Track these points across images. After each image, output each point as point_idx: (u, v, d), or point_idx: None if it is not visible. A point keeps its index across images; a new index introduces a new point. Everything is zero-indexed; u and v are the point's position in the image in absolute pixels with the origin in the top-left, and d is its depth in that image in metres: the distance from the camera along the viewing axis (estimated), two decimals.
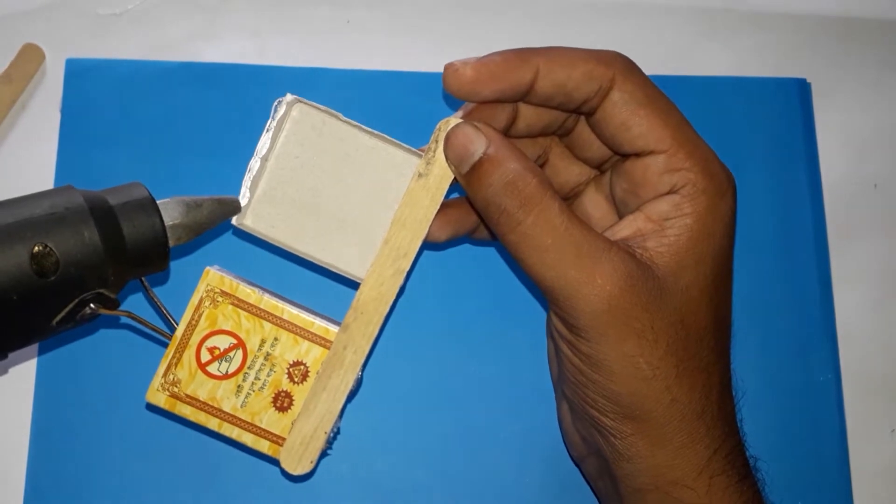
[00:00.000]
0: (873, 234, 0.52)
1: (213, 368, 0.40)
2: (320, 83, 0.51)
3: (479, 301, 0.49)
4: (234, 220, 0.40)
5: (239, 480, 0.47)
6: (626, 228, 0.38)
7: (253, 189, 0.40)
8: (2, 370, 0.48)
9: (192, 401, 0.40)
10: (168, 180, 0.49)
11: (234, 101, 0.51)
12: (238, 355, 0.40)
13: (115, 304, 0.36)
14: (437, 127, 0.39)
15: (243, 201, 0.40)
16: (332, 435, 0.40)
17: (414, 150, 0.40)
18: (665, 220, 0.37)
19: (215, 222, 0.39)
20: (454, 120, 0.38)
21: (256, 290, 0.40)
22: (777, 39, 0.55)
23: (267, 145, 0.40)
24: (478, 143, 0.37)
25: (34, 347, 0.47)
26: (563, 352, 0.39)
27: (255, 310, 0.40)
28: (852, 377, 0.50)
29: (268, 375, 0.40)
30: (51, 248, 0.34)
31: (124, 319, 0.39)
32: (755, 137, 0.52)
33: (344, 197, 0.40)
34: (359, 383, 0.41)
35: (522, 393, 0.48)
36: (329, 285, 0.46)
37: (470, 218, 0.43)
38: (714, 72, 0.53)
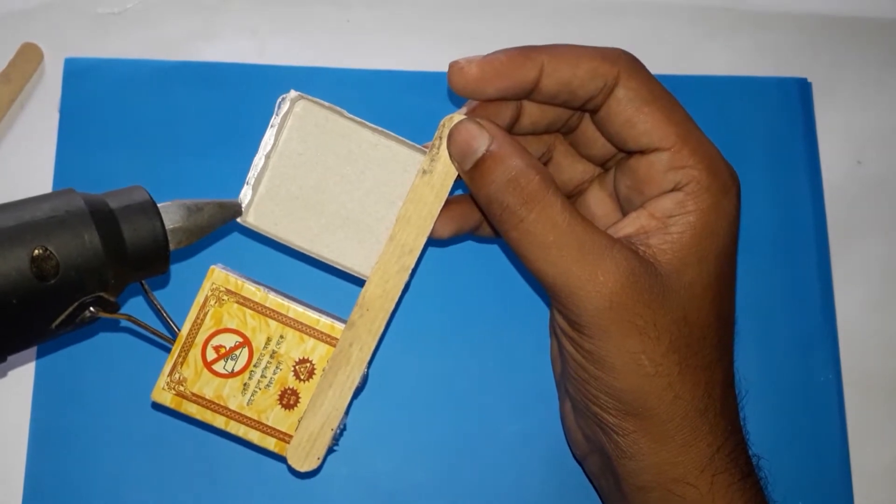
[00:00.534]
0: (874, 234, 0.52)
1: (218, 367, 0.40)
2: (320, 83, 0.51)
3: (479, 301, 0.49)
4: (237, 218, 0.40)
5: (239, 481, 0.46)
6: (629, 226, 0.38)
7: (256, 186, 0.40)
8: (1, 373, 0.48)
9: (198, 399, 0.40)
10: (167, 180, 0.49)
11: (233, 100, 0.51)
12: (244, 353, 0.40)
13: (115, 308, 0.36)
14: (441, 123, 0.39)
15: (246, 198, 0.40)
16: (338, 431, 0.40)
17: (418, 146, 0.40)
18: (669, 217, 0.37)
19: (216, 226, 0.39)
20: (458, 116, 0.38)
21: (261, 288, 0.40)
22: (777, 39, 0.55)
23: (271, 142, 0.40)
24: (481, 140, 0.37)
25: (33, 349, 0.47)
26: (565, 349, 0.39)
27: (260, 308, 0.40)
28: (853, 377, 0.50)
29: (274, 373, 0.40)
30: (51, 252, 0.34)
31: (124, 322, 0.39)
32: (755, 137, 0.52)
33: (347, 194, 0.40)
34: (365, 380, 0.41)
35: (523, 393, 0.48)
36: (334, 283, 0.46)
37: (473, 215, 0.43)
38: (714, 72, 0.53)
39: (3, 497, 0.46)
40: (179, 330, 0.40)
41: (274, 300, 0.40)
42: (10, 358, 0.36)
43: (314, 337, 0.40)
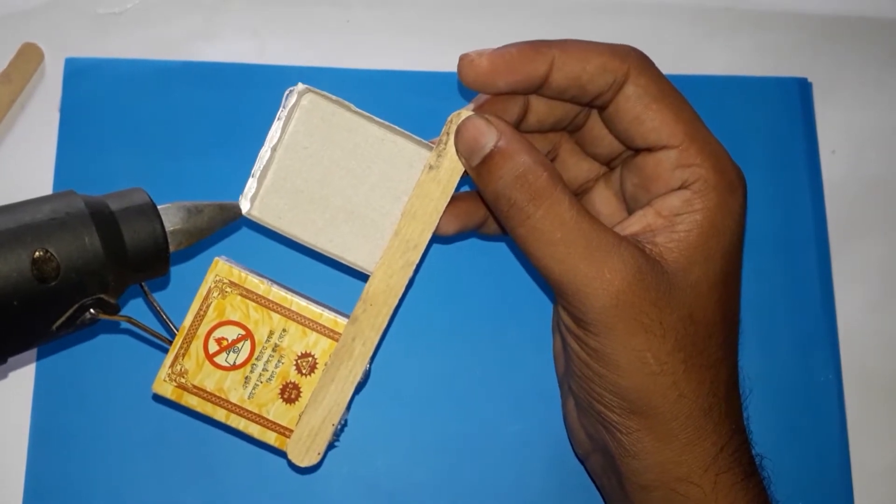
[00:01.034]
0: (874, 234, 0.52)
1: (220, 359, 0.40)
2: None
3: (480, 301, 0.49)
4: (242, 210, 0.40)
5: (239, 481, 0.46)
6: (635, 224, 0.38)
7: (261, 179, 0.40)
8: (1, 374, 0.48)
9: (198, 391, 0.40)
10: (168, 180, 0.49)
11: (233, 100, 0.51)
12: (246, 346, 0.40)
13: (115, 309, 0.36)
14: (449, 119, 0.39)
15: (251, 191, 0.40)
16: (339, 427, 0.40)
17: (424, 142, 0.40)
18: (675, 215, 0.37)
19: (216, 228, 0.39)
20: (465, 112, 0.38)
21: (265, 281, 0.40)
22: (777, 39, 0.55)
23: (277, 135, 0.40)
24: (489, 136, 0.37)
25: (33, 350, 0.47)
26: (570, 346, 0.39)
27: (263, 301, 0.40)
28: (853, 377, 0.50)
29: (276, 367, 0.40)
30: (52, 254, 0.34)
31: (124, 324, 0.39)
32: (755, 137, 0.52)
33: (353, 188, 0.40)
34: (367, 375, 0.41)
35: (523, 393, 0.48)
36: (337, 277, 0.45)
37: (479, 212, 0.43)
38: (714, 72, 0.53)
39: (4, 497, 0.46)
40: (178, 330, 0.40)
41: (277, 293, 0.40)
42: (11, 359, 0.37)
43: (317, 331, 0.40)
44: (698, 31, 0.54)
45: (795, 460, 0.48)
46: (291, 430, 0.40)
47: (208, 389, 0.40)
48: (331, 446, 0.40)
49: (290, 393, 0.40)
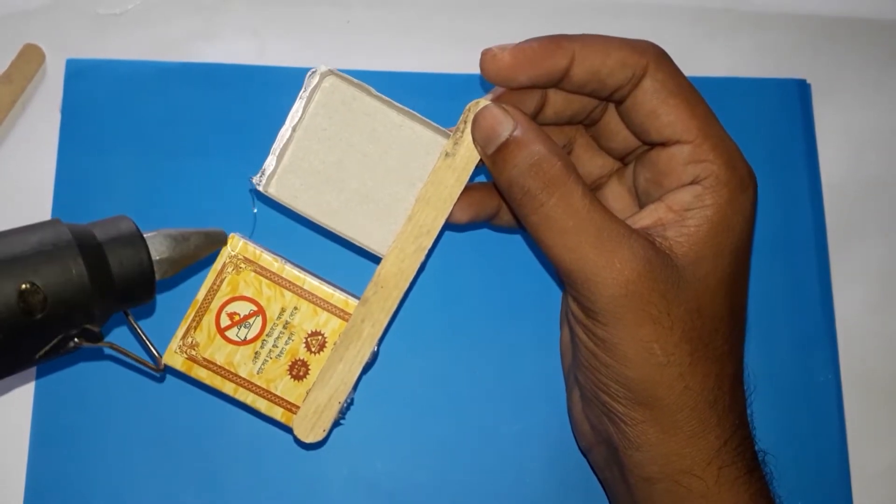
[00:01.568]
0: (873, 234, 0.52)
1: (231, 334, 0.41)
2: None
3: (480, 301, 0.49)
4: (259, 187, 0.40)
5: (240, 481, 0.46)
6: (647, 217, 0.39)
7: (280, 157, 0.40)
8: None
9: (208, 364, 0.41)
10: (167, 180, 0.49)
11: (234, 101, 0.51)
12: (257, 322, 0.41)
13: (98, 338, 0.36)
14: (467, 108, 0.39)
15: (270, 168, 0.40)
16: (345, 405, 0.41)
17: (442, 129, 0.40)
18: (686, 210, 0.38)
19: (201, 255, 0.40)
20: (483, 101, 0.39)
21: (279, 259, 0.41)
22: (777, 39, 0.55)
23: (298, 114, 0.40)
24: (505, 125, 0.37)
25: None
26: (578, 336, 0.39)
27: (276, 278, 0.41)
28: (852, 377, 0.50)
29: (286, 344, 0.41)
30: (38, 287, 0.34)
31: (122, 325, 0.39)
32: (755, 137, 0.52)
33: (369, 172, 0.41)
34: (375, 357, 0.41)
35: (523, 393, 0.48)
36: (350, 259, 0.46)
37: (492, 202, 0.43)
38: (714, 72, 0.53)
39: (5, 498, 0.46)
40: (160, 356, 0.40)
41: (290, 272, 0.41)
42: None
43: (328, 310, 0.41)
44: (698, 32, 0.55)
45: (794, 460, 0.48)
46: (298, 407, 0.41)
47: (218, 363, 0.41)
48: (336, 424, 0.41)
49: (298, 370, 0.41)
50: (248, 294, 0.41)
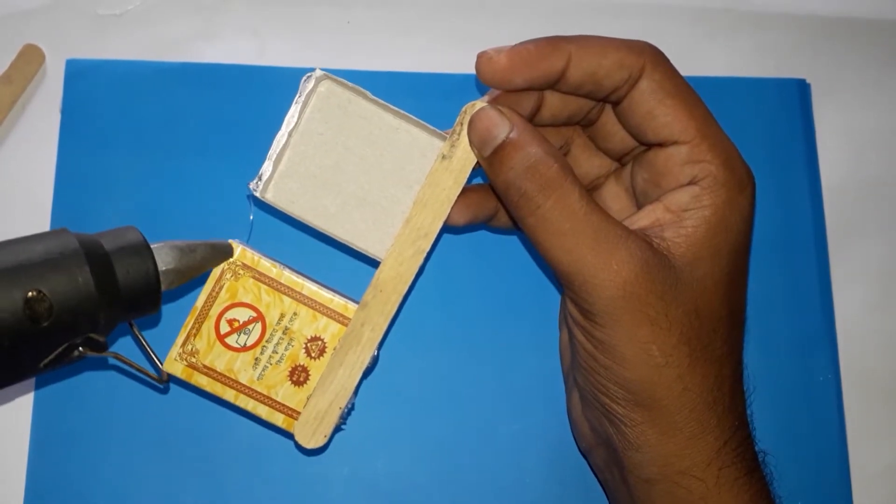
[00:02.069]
0: (873, 234, 0.52)
1: (231, 340, 0.41)
2: None
3: (479, 301, 0.49)
4: (256, 193, 0.40)
5: (240, 482, 0.46)
6: (644, 218, 0.38)
7: (277, 162, 0.40)
8: None
9: (209, 371, 0.41)
10: (167, 180, 0.49)
11: (233, 101, 0.51)
12: (257, 328, 0.41)
13: (103, 347, 0.36)
14: (463, 110, 0.39)
15: (266, 173, 0.40)
16: (346, 410, 0.41)
17: (438, 132, 0.40)
18: (684, 210, 0.38)
19: (207, 267, 0.40)
20: (480, 103, 0.39)
21: (277, 264, 0.41)
22: (777, 39, 0.55)
23: (294, 118, 0.40)
24: (501, 127, 0.37)
25: None
26: (576, 338, 0.39)
27: (275, 284, 0.41)
28: (852, 377, 0.50)
29: (285, 349, 0.41)
30: (45, 294, 0.33)
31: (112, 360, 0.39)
32: (755, 137, 0.52)
33: (366, 175, 0.41)
34: (375, 361, 0.41)
35: (523, 393, 0.48)
36: (349, 264, 0.46)
37: (489, 203, 0.43)
38: (714, 72, 0.53)
39: (5, 498, 0.46)
40: (163, 365, 0.40)
41: (289, 277, 0.41)
42: None
43: (327, 315, 0.41)
44: (698, 32, 0.54)
45: (794, 460, 0.48)
46: (299, 412, 0.41)
47: (218, 370, 0.41)
48: (337, 429, 0.41)
49: (298, 375, 0.41)
50: (248, 300, 0.41)
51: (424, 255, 0.40)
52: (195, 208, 0.49)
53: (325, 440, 0.41)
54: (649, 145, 0.40)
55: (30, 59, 0.51)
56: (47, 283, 0.34)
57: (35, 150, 0.50)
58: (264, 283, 0.41)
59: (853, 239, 0.52)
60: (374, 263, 0.41)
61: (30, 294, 0.33)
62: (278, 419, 0.41)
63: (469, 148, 0.39)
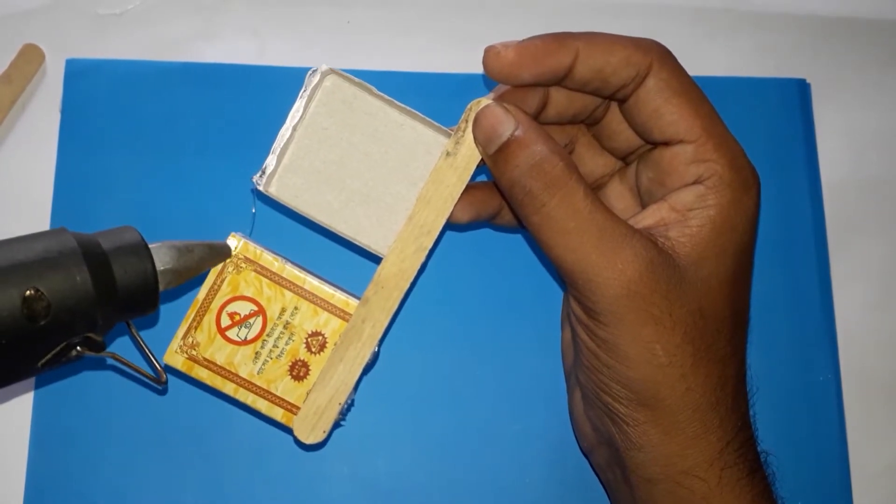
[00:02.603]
0: (873, 234, 0.52)
1: (232, 334, 0.40)
2: None
3: (480, 301, 0.49)
4: (260, 186, 0.40)
5: (240, 481, 0.46)
6: (649, 217, 0.38)
7: (281, 156, 0.40)
8: None
9: (209, 364, 0.41)
10: (167, 180, 0.49)
11: (233, 101, 0.50)
12: (258, 322, 0.40)
13: (101, 347, 0.36)
14: (468, 107, 0.39)
15: (270, 167, 0.40)
16: (346, 406, 0.41)
17: (443, 128, 0.40)
18: (689, 210, 0.37)
19: (205, 267, 0.40)
20: (485, 101, 0.38)
21: (279, 259, 0.41)
22: (777, 39, 0.54)
23: (299, 113, 0.40)
24: (506, 125, 0.37)
25: None
26: (579, 337, 0.39)
27: (277, 278, 0.40)
28: (852, 377, 0.49)
29: (286, 344, 0.41)
30: (43, 293, 0.33)
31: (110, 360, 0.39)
32: (755, 137, 0.51)
33: (370, 171, 0.40)
34: (375, 357, 0.41)
35: (524, 393, 0.48)
36: (351, 260, 0.46)
37: (493, 201, 0.43)
38: (714, 72, 0.53)
39: (5, 497, 0.45)
40: (162, 369, 0.40)
41: (291, 272, 0.41)
42: None
43: (328, 311, 0.41)
44: (698, 32, 0.54)
45: (794, 460, 0.47)
46: (298, 408, 0.40)
47: (218, 363, 0.41)
48: (336, 425, 0.41)
49: (298, 370, 0.41)
50: (249, 294, 0.40)
51: (427, 252, 0.40)
52: (195, 208, 0.49)
53: (324, 435, 0.40)
54: (655, 144, 0.40)
55: (30, 58, 0.51)
56: (45, 282, 0.33)
57: (35, 150, 0.50)
58: (266, 277, 0.40)
59: (853, 239, 0.52)
60: (377, 259, 0.40)
61: (27, 293, 0.33)
62: (277, 413, 0.41)
63: (474, 145, 0.39)
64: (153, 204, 0.49)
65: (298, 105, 0.40)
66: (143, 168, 0.49)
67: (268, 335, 0.41)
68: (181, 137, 0.50)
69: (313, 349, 0.41)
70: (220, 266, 0.40)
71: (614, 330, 0.36)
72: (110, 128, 0.50)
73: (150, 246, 0.37)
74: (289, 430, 0.41)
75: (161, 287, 0.37)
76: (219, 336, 0.40)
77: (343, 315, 0.41)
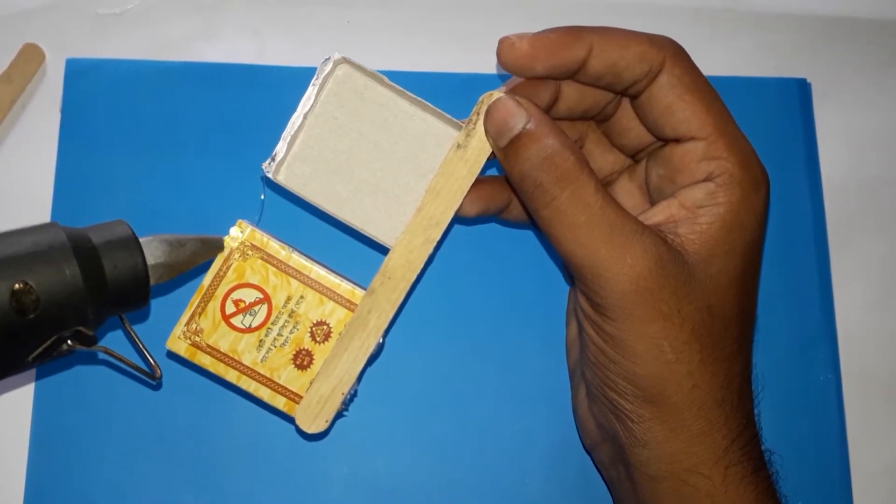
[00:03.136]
0: (873, 234, 0.52)
1: (236, 321, 0.40)
2: None
3: (481, 300, 0.48)
4: (268, 174, 0.40)
5: (239, 481, 0.46)
6: (659, 214, 0.38)
7: (290, 144, 0.40)
8: None
9: (212, 351, 0.40)
10: (167, 180, 0.49)
11: (233, 101, 0.50)
12: (263, 310, 0.40)
13: (92, 341, 0.36)
14: (480, 100, 0.39)
15: (280, 154, 0.40)
16: (349, 397, 0.40)
17: (454, 120, 0.40)
18: (699, 207, 0.37)
19: (198, 262, 0.39)
20: (497, 93, 0.38)
21: (286, 247, 0.40)
22: (777, 39, 0.54)
23: (311, 100, 0.40)
24: (518, 118, 0.37)
25: None
26: (586, 332, 0.38)
27: (283, 266, 0.40)
28: (852, 377, 0.49)
29: (290, 332, 0.40)
30: (32, 286, 0.33)
31: (102, 354, 0.39)
32: (755, 137, 0.50)
33: (379, 162, 0.40)
34: (380, 349, 0.40)
35: (524, 392, 0.47)
36: (358, 250, 0.46)
37: (502, 195, 0.42)
38: (714, 72, 0.52)
39: (5, 497, 0.45)
40: (156, 364, 0.39)
41: (297, 260, 0.40)
42: None
43: (334, 300, 0.40)
44: (698, 32, 0.54)
45: (795, 460, 0.47)
46: (301, 397, 0.40)
47: (222, 350, 0.40)
48: (339, 415, 0.41)
49: (302, 359, 0.41)
50: (255, 281, 0.40)
51: (434, 244, 0.39)
52: (194, 208, 0.48)
53: (327, 425, 0.40)
54: (666, 141, 0.39)
55: (30, 58, 0.51)
56: (34, 276, 0.33)
57: (35, 150, 0.49)
58: (272, 265, 0.40)
59: (853, 238, 0.52)
60: (384, 250, 0.40)
61: (16, 286, 0.33)
62: (280, 402, 0.40)
63: (485, 138, 0.39)
64: (153, 204, 0.48)
65: (310, 93, 0.40)
66: (143, 168, 0.49)
67: (272, 323, 0.40)
68: (181, 137, 0.50)
69: (318, 338, 0.40)
70: (226, 252, 0.40)
71: (622, 325, 0.36)
72: (110, 127, 0.49)
73: (141, 240, 0.37)
74: (291, 420, 0.40)
75: (152, 281, 0.37)
76: (223, 323, 0.40)
77: (349, 305, 0.40)
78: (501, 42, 0.38)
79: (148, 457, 0.46)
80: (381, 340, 0.40)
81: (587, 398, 0.42)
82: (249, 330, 0.40)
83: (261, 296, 0.40)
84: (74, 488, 0.45)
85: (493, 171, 0.45)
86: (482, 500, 0.47)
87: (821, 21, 0.54)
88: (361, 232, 0.40)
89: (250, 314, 0.40)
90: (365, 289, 0.40)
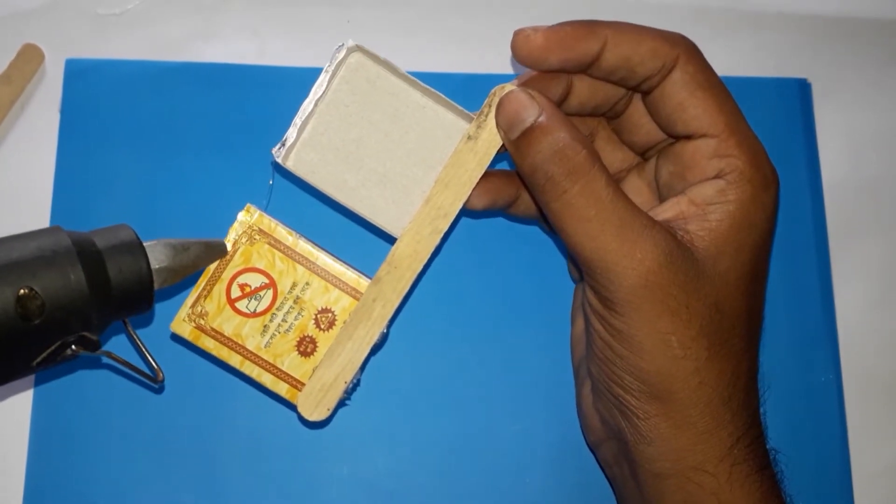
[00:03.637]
0: (873, 234, 0.52)
1: (241, 305, 0.40)
2: None
3: (480, 301, 0.48)
4: (278, 159, 0.40)
5: (239, 481, 0.46)
6: (668, 210, 0.38)
7: (301, 130, 0.40)
8: None
9: (216, 335, 0.40)
10: (168, 180, 0.48)
11: (233, 101, 0.50)
12: (268, 295, 0.40)
13: (96, 346, 0.36)
14: (492, 92, 0.38)
15: (290, 139, 0.40)
16: (351, 385, 0.40)
17: (466, 112, 0.39)
18: (708, 204, 0.37)
19: (201, 266, 0.39)
20: (509, 86, 0.38)
21: (293, 233, 0.40)
22: (777, 39, 0.54)
23: (323, 87, 0.40)
24: (530, 111, 0.37)
25: None
26: (593, 327, 0.38)
27: (290, 252, 0.40)
28: (853, 377, 0.49)
29: (295, 319, 0.40)
30: (37, 292, 0.33)
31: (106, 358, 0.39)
32: None
33: (388, 152, 0.40)
34: (384, 338, 0.40)
35: (524, 393, 0.47)
36: (365, 239, 0.46)
37: (510, 189, 0.42)
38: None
39: (4, 498, 0.45)
40: (158, 367, 0.39)
41: (304, 247, 0.40)
42: None
43: (339, 288, 0.40)
44: (698, 32, 0.53)
45: (795, 460, 0.46)
46: (303, 384, 0.40)
47: (226, 334, 0.40)
48: (341, 404, 0.41)
49: (306, 346, 0.40)
50: (261, 266, 0.40)
51: (442, 234, 0.39)
52: (195, 208, 0.48)
53: (328, 413, 0.40)
54: (677, 137, 0.39)
55: (29, 58, 0.51)
56: (39, 281, 0.33)
57: (34, 150, 0.49)
58: (279, 251, 0.40)
59: (854, 238, 0.51)
60: (390, 240, 0.40)
61: (21, 291, 0.33)
62: (282, 389, 0.40)
63: (495, 130, 0.38)
64: (153, 204, 0.48)
65: (322, 79, 0.39)
66: (143, 168, 0.49)
67: (277, 309, 0.40)
68: (181, 137, 0.49)
69: (322, 326, 0.40)
70: (234, 236, 0.40)
71: (630, 320, 0.36)
72: (110, 128, 0.49)
73: (145, 244, 0.37)
74: (293, 406, 0.40)
75: (156, 285, 0.37)
76: (228, 307, 0.40)
77: (354, 293, 0.40)
78: (516, 34, 0.37)
79: (148, 457, 0.46)
80: (385, 330, 0.40)
81: (592, 394, 0.41)
82: (254, 315, 0.40)
83: (266, 281, 0.40)
84: (74, 489, 0.45)
85: (503, 165, 0.45)
86: (482, 500, 0.46)
87: (821, 21, 0.54)
88: (369, 221, 0.40)
89: (255, 299, 0.40)
90: (371, 278, 0.40)
